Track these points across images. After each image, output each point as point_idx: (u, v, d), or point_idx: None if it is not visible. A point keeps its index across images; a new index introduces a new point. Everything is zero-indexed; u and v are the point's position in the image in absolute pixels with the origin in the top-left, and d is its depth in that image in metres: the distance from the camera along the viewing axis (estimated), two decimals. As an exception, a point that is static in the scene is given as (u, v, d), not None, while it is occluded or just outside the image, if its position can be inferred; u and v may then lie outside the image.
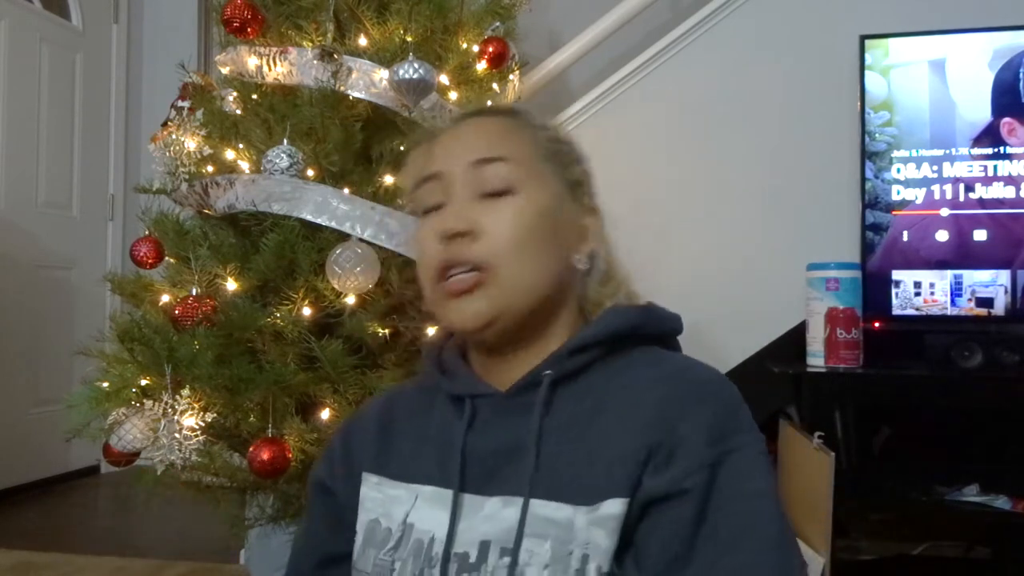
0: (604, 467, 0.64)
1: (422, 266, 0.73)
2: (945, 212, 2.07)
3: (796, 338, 2.12)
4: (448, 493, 0.70)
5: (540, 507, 0.65)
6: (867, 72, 2.12)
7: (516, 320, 0.70)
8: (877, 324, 2.07)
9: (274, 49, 1.77)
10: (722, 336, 2.11)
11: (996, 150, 2.05)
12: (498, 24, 2.00)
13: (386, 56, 1.74)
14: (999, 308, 2.02)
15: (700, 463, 0.62)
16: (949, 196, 2.07)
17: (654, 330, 0.75)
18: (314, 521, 0.81)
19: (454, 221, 0.69)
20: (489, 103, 0.82)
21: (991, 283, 2.03)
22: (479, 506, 0.68)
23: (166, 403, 1.52)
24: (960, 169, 2.07)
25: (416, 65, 1.66)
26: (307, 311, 1.64)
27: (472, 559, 0.66)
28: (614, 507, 0.62)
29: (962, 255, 2.05)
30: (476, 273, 0.69)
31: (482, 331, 0.70)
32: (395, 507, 0.73)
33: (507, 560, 0.64)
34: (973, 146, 2.06)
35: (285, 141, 1.67)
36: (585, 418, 0.68)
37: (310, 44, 1.77)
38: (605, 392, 0.69)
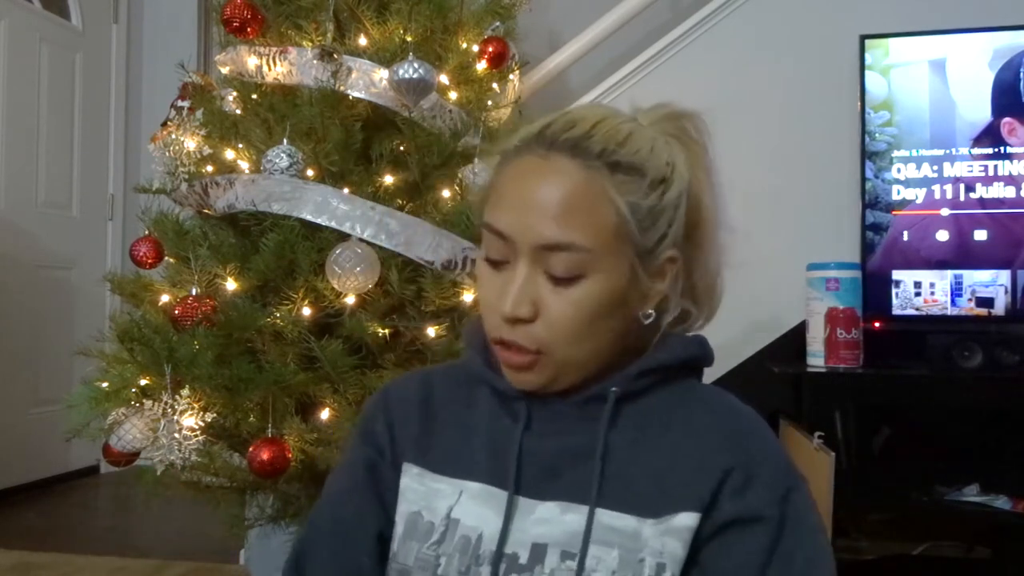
0: (676, 481, 0.67)
1: (483, 313, 0.72)
2: (945, 212, 2.07)
3: (796, 338, 2.12)
4: (498, 492, 0.70)
5: (604, 515, 0.67)
6: (867, 72, 2.12)
7: (569, 384, 0.71)
8: (877, 324, 2.07)
9: (274, 49, 1.77)
10: (722, 336, 2.11)
11: (996, 150, 2.05)
12: (498, 24, 2.00)
13: (386, 56, 1.74)
14: (999, 308, 2.02)
15: (776, 494, 0.66)
16: (949, 196, 2.07)
17: (706, 363, 0.76)
18: (362, 503, 0.77)
19: (513, 307, 0.67)
20: (577, 127, 0.69)
21: (991, 283, 2.03)
22: (530, 509, 0.69)
23: (166, 403, 1.52)
24: (960, 169, 2.07)
25: (416, 65, 1.66)
26: (307, 311, 1.64)
27: (523, 560, 0.67)
28: (688, 520, 0.65)
29: (962, 255, 2.05)
30: (532, 355, 0.68)
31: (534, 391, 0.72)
32: (437, 500, 0.73)
33: (570, 564, 0.66)
34: (973, 146, 2.06)
35: (285, 141, 1.67)
36: (652, 435, 0.70)
37: (310, 44, 1.77)
38: (670, 414, 0.71)
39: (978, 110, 2.07)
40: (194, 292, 1.62)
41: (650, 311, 0.71)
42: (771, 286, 2.16)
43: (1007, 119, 2.05)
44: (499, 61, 1.92)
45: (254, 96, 1.85)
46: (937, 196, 2.08)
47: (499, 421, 0.74)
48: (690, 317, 0.75)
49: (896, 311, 2.08)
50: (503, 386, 0.73)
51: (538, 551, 0.67)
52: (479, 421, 0.75)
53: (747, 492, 0.66)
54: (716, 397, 0.74)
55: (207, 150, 1.81)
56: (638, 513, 0.66)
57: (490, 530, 0.69)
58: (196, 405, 1.53)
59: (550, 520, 0.68)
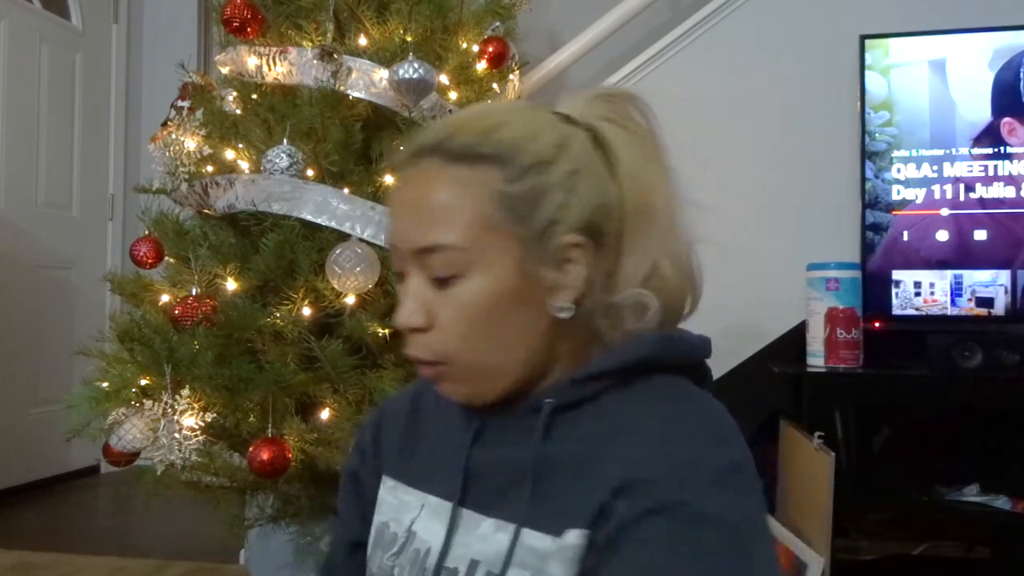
0: (576, 495, 0.63)
1: None
2: (945, 212, 2.07)
3: (796, 338, 2.12)
4: (449, 506, 0.70)
5: (529, 536, 0.64)
6: (867, 72, 2.12)
7: (500, 392, 0.68)
8: (877, 324, 2.07)
9: (274, 49, 1.77)
10: (722, 336, 2.10)
11: (996, 150, 2.05)
12: (498, 24, 2.01)
13: (386, 56, 1.75)
14: (999, 308, 2.02)
15: (677, 496, 0.58)
16: (949, 196, 2.07)
17: (671, 361, 0.68)
18: (346, 508, 0.83)
19: (406, 316, 0.66)
20: (443, 129, 0.67)
21: (991, 283, 2.03)
22: (475, 524, 0.68)
23: (166, 403, 1.52)
24: (960, 169, 2.07)
25: (416, 65, 1.66)
26: (307, 311, 1.64)
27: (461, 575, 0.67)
28: (574, 538, 0.61)
29: (962, 255, 2.05)
30: (435, 368, 0.67)
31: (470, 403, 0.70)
32: (404, 513, 0.74)
33: None
34: (973, 146, 2.06)
35: (285, 141, 1.67)
36: (584, 448, 0.65)
37: (310, 44, 1.77)
38: (610, 424, 0.66)
39: (978, 110, 2.07)
40: (194, 292, 1.62)
41: (566, 304, 0.66)
42: (771, 286, 2.16)
43: (1007, 119, 2.05)
44: (499, 61, 1.93)
45: (254, 96, 1.85)
46: (937, 196, 2.08)
47: (460, 432, 0.73)
48: (649, 309, 0.67)
49: (896, 311, 2.07)
50: None
51: (473, 568, 0.66)
52: (452, 433, 0.74)
53: (645, 495, 0.59)
54: (676, 401, 0.66)
55: (207, 150, 1.81)
56: (553, 532, 0.62)
57: (438, 544, 0.69)
58: (196, 405, 1.53)
59: (487, 537, 0.66)
